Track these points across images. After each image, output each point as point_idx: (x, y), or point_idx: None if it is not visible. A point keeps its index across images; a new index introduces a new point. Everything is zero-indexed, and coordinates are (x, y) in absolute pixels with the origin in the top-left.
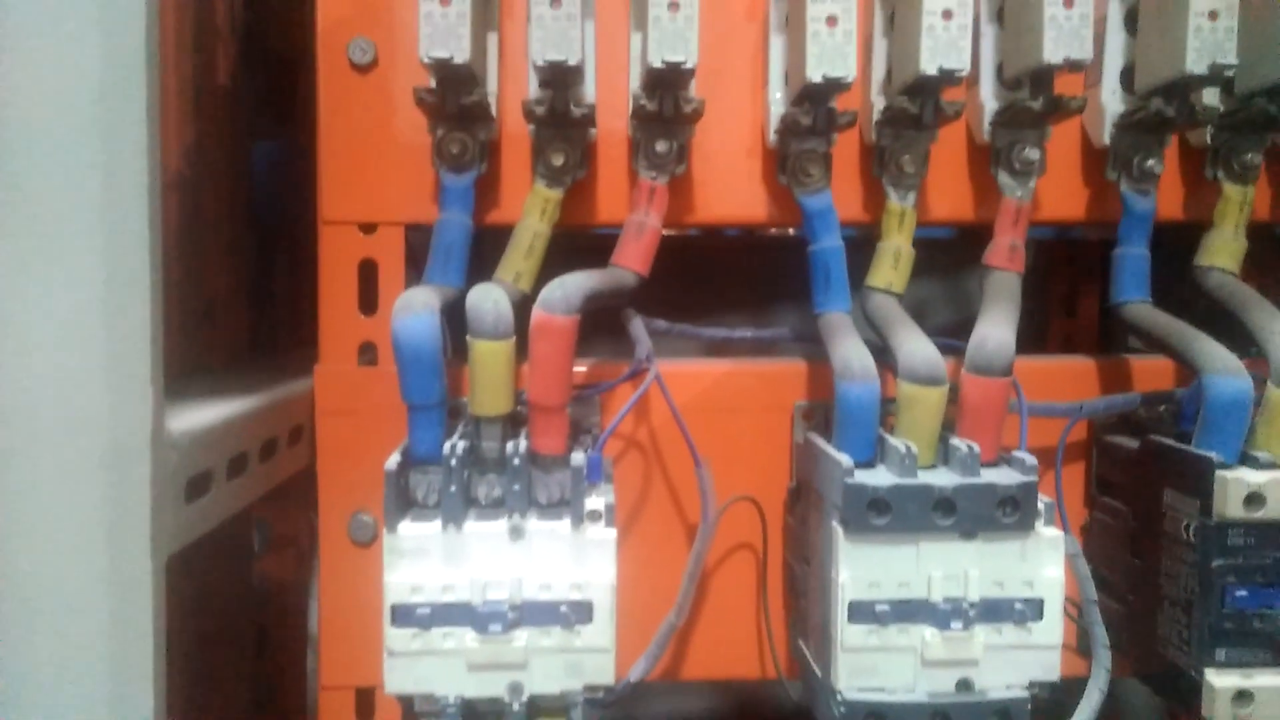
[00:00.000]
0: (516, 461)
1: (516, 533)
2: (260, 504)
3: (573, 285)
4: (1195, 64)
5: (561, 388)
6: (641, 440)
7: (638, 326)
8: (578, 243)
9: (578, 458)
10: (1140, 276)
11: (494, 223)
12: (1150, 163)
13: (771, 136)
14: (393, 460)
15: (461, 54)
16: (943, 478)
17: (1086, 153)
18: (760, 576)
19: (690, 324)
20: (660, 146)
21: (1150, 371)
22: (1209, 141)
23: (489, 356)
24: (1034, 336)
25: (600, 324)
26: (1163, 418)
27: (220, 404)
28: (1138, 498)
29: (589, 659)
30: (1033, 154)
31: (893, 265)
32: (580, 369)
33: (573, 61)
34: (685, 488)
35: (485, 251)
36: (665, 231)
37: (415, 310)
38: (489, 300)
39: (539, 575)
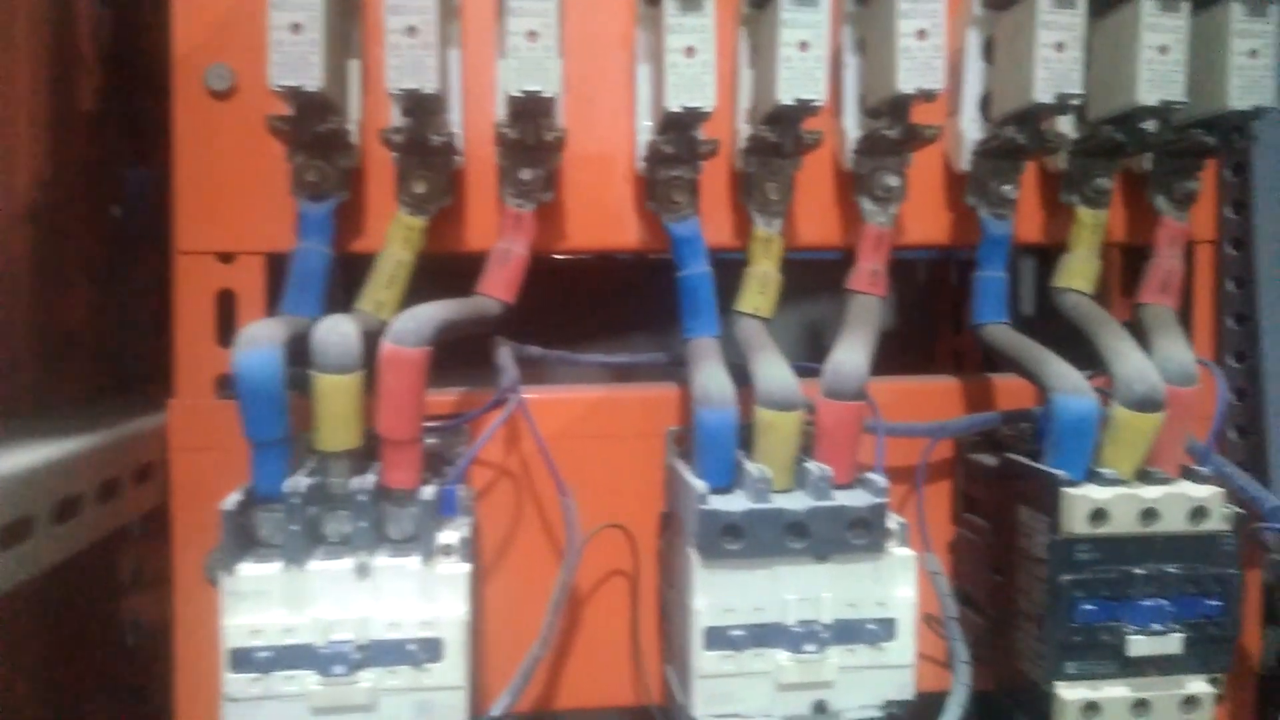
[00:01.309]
0: (362, 498)
1: (363, 571)
2: (139, 539)
3: (424, 316)
4: (1043, 93)
5: (410, 421)
6: (514, 469)
7: (504, 355)
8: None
9: (427, 492)
10: (998, 298)
11: (360, 251)
12: (1006, 188)
13: (639, 164)
14: (230, 500)
15: (313, 82)
16: (797, 501)
17: (949, 178)
18: (633, 603)
19: (587, 347)
20: (525, 174)
21: (1014, 391)
22: (1063, 167)
23: (333, 391)
24: (922, 354)
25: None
26: (1023, 436)
27: (55, 444)
28: (997, 515)
29: (440, 697)
30: (892, 181)
31: (760, 290)
32: (449, 398)
33: (428, 90)
34: (559, 517)
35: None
36: (563, 257)
37: (257, 344)
38: (334, 333)
39: (387, 614)
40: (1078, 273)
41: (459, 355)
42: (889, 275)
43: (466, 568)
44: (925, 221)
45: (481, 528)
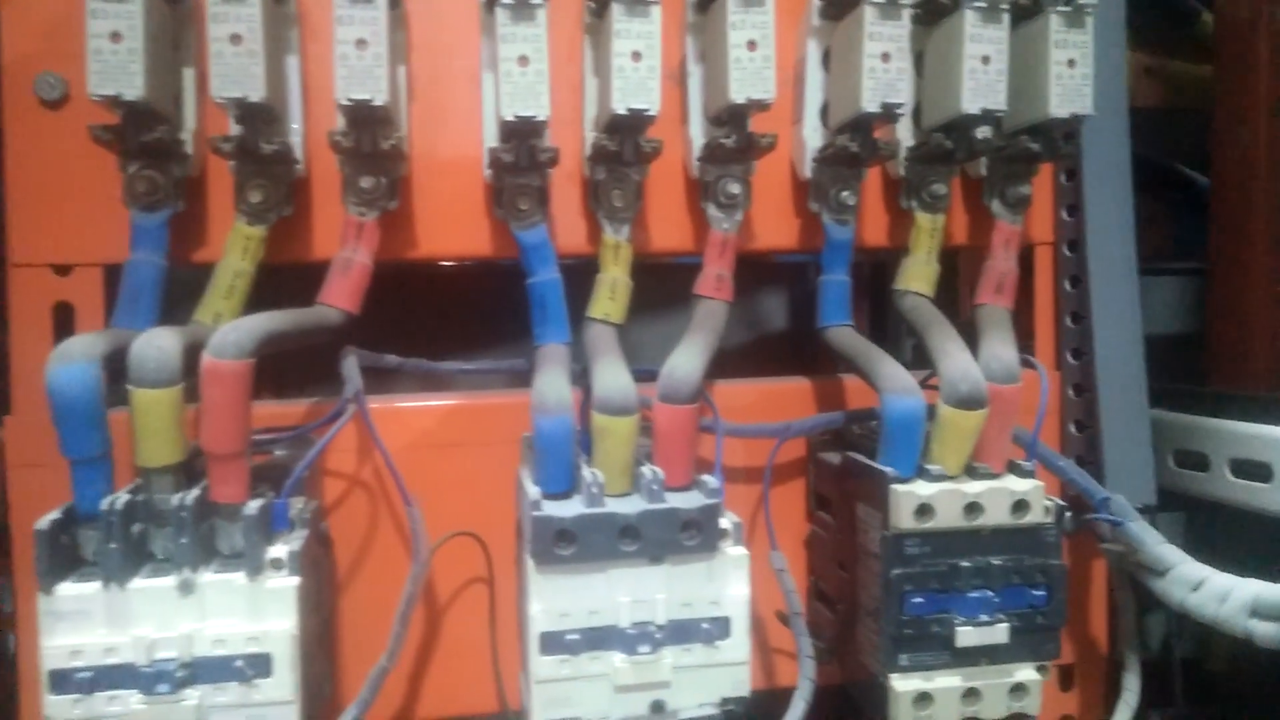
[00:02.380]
0: (183, 513)
1: (186, 587)
2: None
3: (246, 328)
4: (870, 103)
5: (233, 434)
6: (368, 480)
7: (348, 365)
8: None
9: (253, 506)
10: (841, 301)
11: (201, 261)
12: (845, 195)
13: (486, 171)
14: (46, 519)
15: (133, 90)
16: (630, 505)
17: (795, 185)
18: (491, 611)
19: (461, 354)
20: (366, 183)
21: (866, 390)
22: (902, 174)
23: (150, 405)
24: (806, 355)
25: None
26: (871, 434)
27: None
28: (841, 512)
29: (271, 713)
30: (735, 188)
31: (609, 296)
32: (299, 409)
33: (255, 98)
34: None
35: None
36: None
37: (70, 359)
38: (151, 347)
39: (214, 630)
40: (916, 275)
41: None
42: (783, 277)
43: (294, 581)
44: (773, 227)
45: (337, 540)
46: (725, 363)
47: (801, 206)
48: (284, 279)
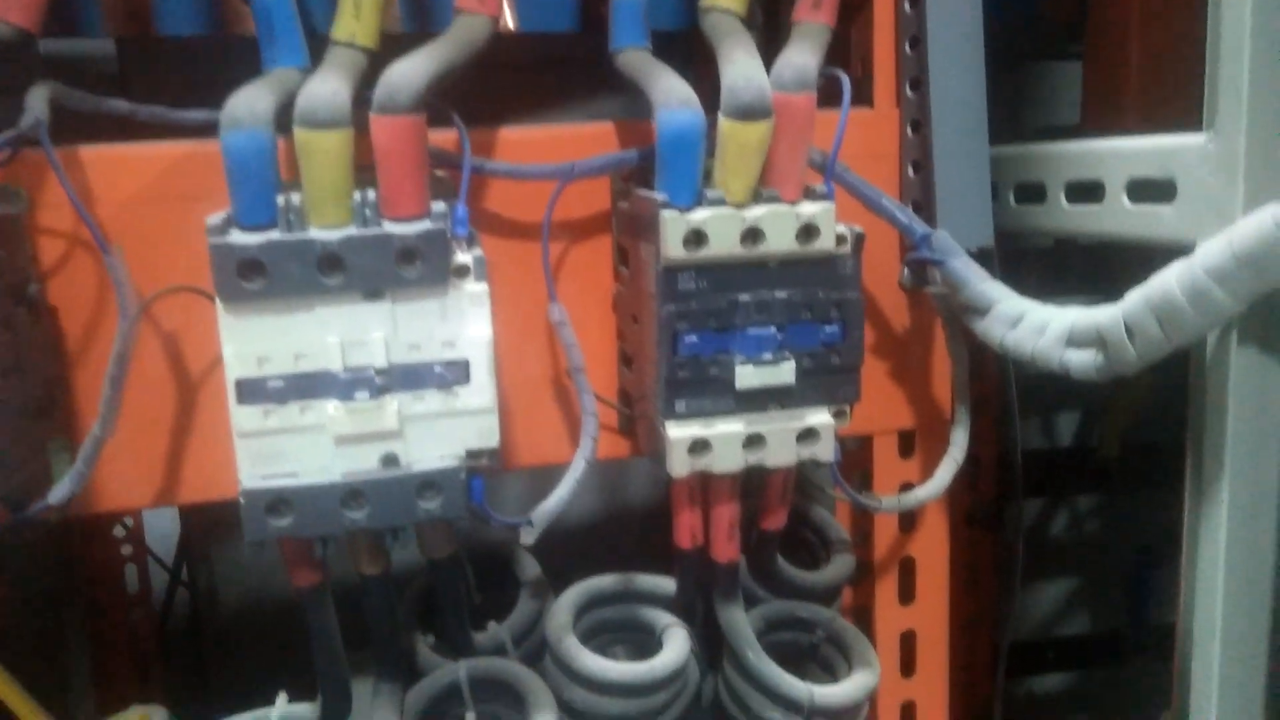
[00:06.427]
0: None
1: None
2: None
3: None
4: None
5: None
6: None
7: (34, 95)
8: None
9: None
10: (634, 20)
11: None
12: None
13: None
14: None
15: None
16: (334, 231)
17: None
18: None
19: None
20: None
21: None
22: None
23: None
24: None
25: None
26: None
27: None
28: (632, 259)
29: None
30: None
31: (354, 14)
32: None
33: None
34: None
35: None
36: None
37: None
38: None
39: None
40: None
41: None
42: None
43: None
44: None
45: (59, 308)
46: None
47: None
48: None
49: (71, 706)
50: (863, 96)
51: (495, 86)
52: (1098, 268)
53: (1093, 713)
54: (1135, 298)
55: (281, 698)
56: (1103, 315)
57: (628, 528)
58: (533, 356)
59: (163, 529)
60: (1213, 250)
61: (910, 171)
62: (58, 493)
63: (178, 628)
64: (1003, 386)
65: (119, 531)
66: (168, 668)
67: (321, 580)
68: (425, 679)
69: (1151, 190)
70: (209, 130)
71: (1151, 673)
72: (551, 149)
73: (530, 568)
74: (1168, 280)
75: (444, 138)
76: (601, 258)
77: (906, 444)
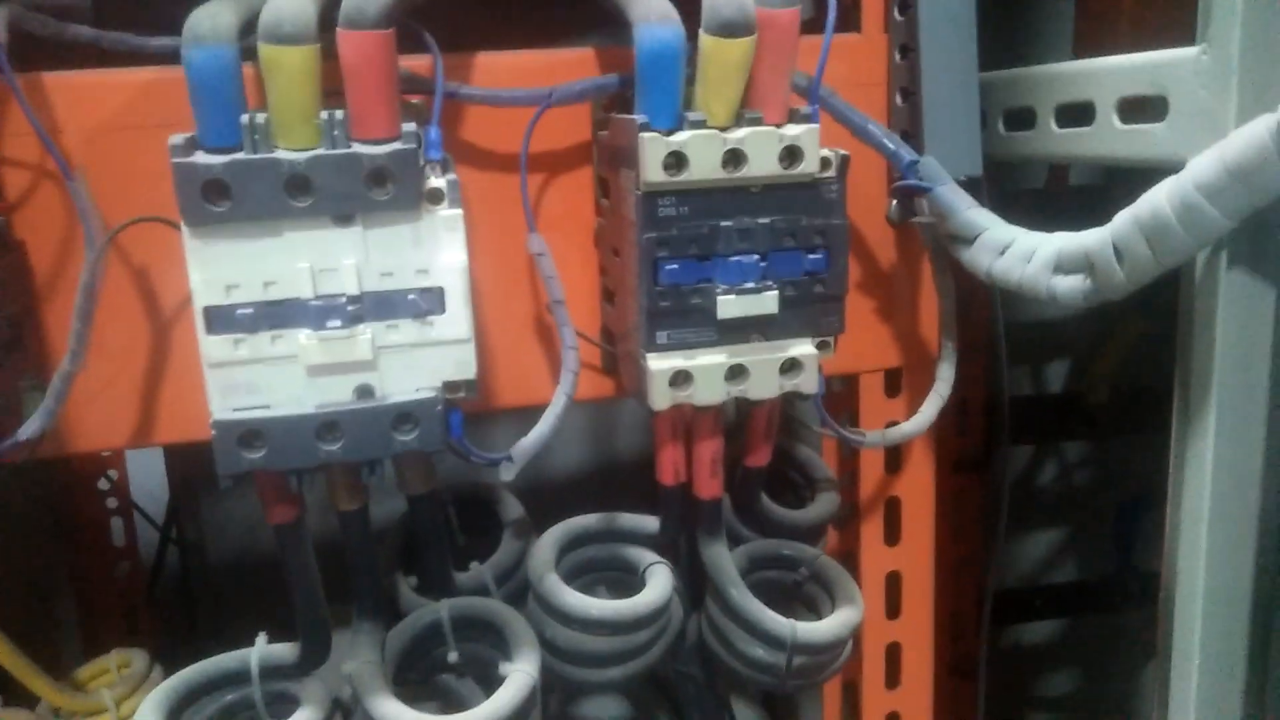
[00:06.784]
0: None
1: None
2: None
3: None
4: None
5: None
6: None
7: None
8: None
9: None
10: None
11: None
12: None
13: None
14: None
15: None
16: (307, 153)
17: None
18: None
19: None
20: None
21: None
22: None
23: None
24: None
25: None
26: None
27: None
28: (613, 188)
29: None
30: None
31: None
32: None
33: None
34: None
35: None
36: None
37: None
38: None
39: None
40: None
41: None
42: None
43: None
44: None
45: (28, 241)
46: None
47: None
48: None
49: (62, 655)
50: (850, 23)
51: (471, 11)
52: (1089, 210)
53: (1081, 661)
54: (1123, 218)
55: (261, 638)
56: (1090, 238)
57: (615, 475)
58: (514, 293)
59: (151, 486)
60: (1204, 164)
61: (899, 99)
62: (27, 429)
63: (169, 585)
64: (991, 330)
65: (103, 484)
66: (158, 620)
67: (298, 516)
68: (406, 618)
69: (1143, 110)
70: (177, 58)
71: (1140, 621)
72: (529, 75)
73: (514, 509)
74: (1157, 198)
75: (418, 63)
76: (583, 193)
77: (893, 383)
